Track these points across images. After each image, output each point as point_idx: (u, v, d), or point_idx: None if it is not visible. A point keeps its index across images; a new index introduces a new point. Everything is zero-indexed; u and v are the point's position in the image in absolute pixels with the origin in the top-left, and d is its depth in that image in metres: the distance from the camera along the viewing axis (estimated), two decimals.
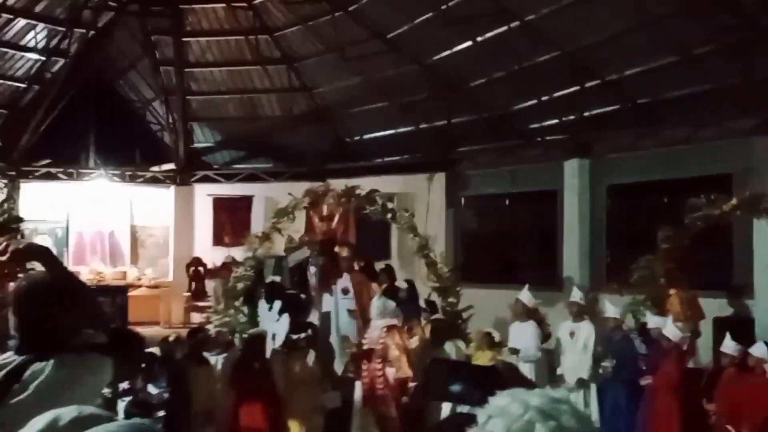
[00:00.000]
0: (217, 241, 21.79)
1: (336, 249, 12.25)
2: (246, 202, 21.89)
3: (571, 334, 10.90)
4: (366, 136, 21.78)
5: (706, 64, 13.96)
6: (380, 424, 9.94)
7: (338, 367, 11.35)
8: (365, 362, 9.98)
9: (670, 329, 10.04)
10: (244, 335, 10.75)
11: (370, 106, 20.57)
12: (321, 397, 10.25)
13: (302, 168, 21.72)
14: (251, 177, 22.32)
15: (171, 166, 22.85)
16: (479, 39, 16.57)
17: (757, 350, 9.24)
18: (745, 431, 8.90)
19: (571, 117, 16.65)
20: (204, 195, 22.25)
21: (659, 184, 15.14)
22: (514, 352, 10.70)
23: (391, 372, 9.88)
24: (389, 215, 12.06)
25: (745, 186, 12.62)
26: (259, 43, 20.73)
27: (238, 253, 13.61)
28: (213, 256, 20.75)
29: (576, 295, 11.25)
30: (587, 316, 11.24)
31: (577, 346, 10.76)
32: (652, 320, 10.38)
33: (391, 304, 10.40)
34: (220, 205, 22.16)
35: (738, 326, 11.91)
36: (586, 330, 10.88)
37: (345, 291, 11.67)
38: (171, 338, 10.36)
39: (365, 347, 10.04)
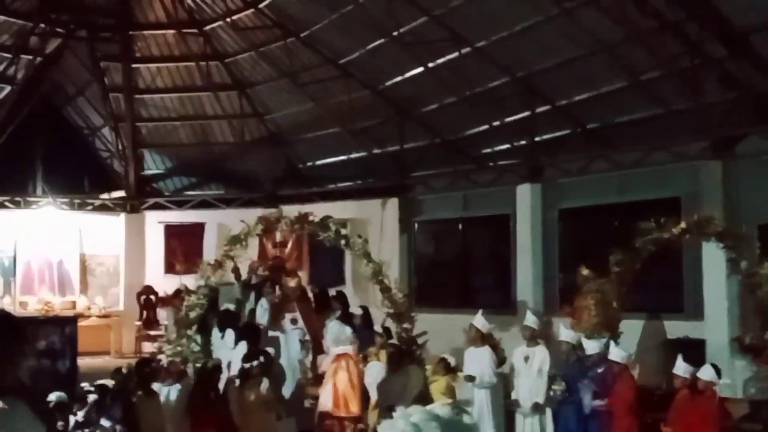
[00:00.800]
0: (169, 268, 21.52)
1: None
2: (198, 229, 21.66)
3: (526, 359, 10.89)
4: (319, 162, 21.75)
5: (655, 90, 14.19)
6: None
7: (289, 395, 11.26)
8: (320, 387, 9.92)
9: (616, 351, 10.11)
10: (198, 365, 10.57)
11: (323, 132, 20.57)
12: (276, 424, 10.15)
13: (255, 194, 21.60)
14: (203, 204, 22.11)
15: (121, 193, 22.56)
16: (431, 65, 16.67)
17: (705, 373, 9.32)
18: None
19: (523, 142, 16.80)
20: (155, 222, 21.98)
21: (610, 208, 15.31)
22: (470, 379, 10.67)
23: (340, 397, 9.76)
24: (343, 242, 12.00)
25: (693, 209, 12.80)
26: (210, 69, 20.63)
27: (191, 281, 13.43)
28: (165, 284, 20.47)
29: (530, 320, 11.27)
30: (541, 341, 11.26)
31: (532, 371, 10.76)
32: (588, 345, 10.43)
33: (347, 330, 10.33)
34: (172, 232, 21.91)
35: (689, 348, 12.06)
36: (540, 354, 10.88)
37: (293, 321, 11.67)
38: (123, 369, 10.16)
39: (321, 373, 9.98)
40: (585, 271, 13.31)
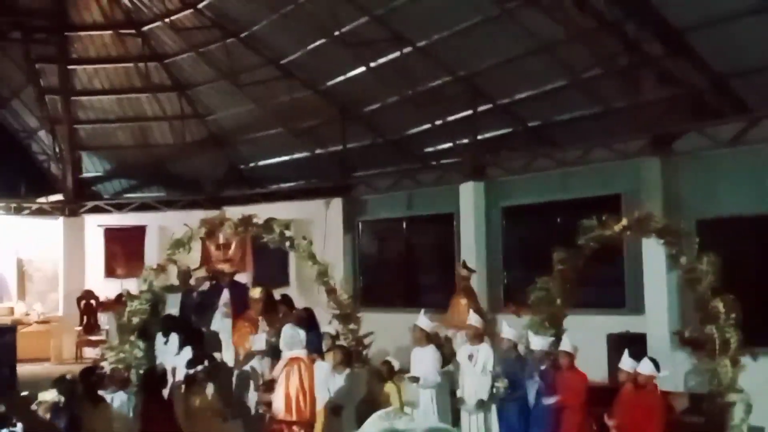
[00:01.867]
0: (110, 272, 21.19)
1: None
2: (139, 232, 21.37)
3: (470, 357, 10.93)
4: (261, 163, 21.62)
5: (595, 88, 14.37)
6: None
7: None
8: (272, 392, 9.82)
9: (567, 342, 10.19)
10: (141, 371, 10.40)
11: (264, 133, 20.46)
12: (222, 428, 10.05)
13: (197, 196, 21.39)
14: (144, 206, 21.83)
15: (59, 197, 22.13)
16: (373, 64, 16.66)
17: (644, 367, 9.45)
18: None
19: (466, 140, 16.88)
20: (95, 226, 21.63)
21: (552, 205, 15.45)
22: (414, 380, 10.68)
23: (292, 402, 9.68)
24: (287, 243, 11.91)
25: (633, 205, 12.98)
26: (149, 70, 20.35)
27: (133, 285, 13.23)
28: (105, 288, 20.16)
29: (472, 319, 11.31)
30: (486, 339, 11.31)
31: (477, 369, 10.79)
32: (534, 341, 10.51)
33: (301, 333, 10.24)
34: (112, 236, 21.58)
35: (630, 342, 12.23)
36: (484, 352, 10.92)
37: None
38: (68, 377, 9.95)
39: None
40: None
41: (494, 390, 10.50)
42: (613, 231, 10.47)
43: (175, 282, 13.40)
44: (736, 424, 9.29)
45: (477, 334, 11.04)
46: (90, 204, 21.97)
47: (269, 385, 10.25)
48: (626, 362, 9.68)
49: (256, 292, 12.03)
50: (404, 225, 18.81)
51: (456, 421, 11.04)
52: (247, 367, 11.40)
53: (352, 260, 19.23)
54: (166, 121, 21.67)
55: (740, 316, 9.40)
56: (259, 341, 11.36)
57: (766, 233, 12.90)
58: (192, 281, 13.74)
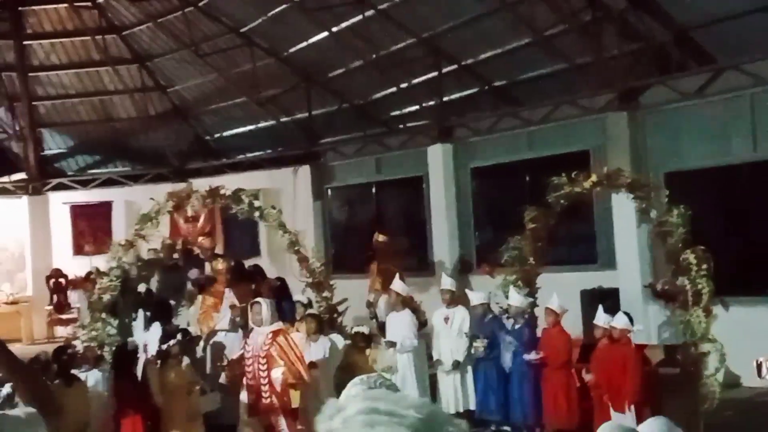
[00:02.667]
0: (78, 250, 20.96)
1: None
2: (105, 208, 21.13)
3: (446, 320, 10.97)
4: (227, 133, 21.40)
5: (559, 45, 14.31)
6: None
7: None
8: (249, 368, 9.69)
9: (555, 302, 10.23)
10: (114, 348, 10.29)
11: (229, 102, 20.23)
12: (199, 401, 10.01)
13: (163, 169, 21.15)
14: (109, 182, 21.56)
15: (22, 175, 21.76)
16: (335, 29, 16.46)
17: (618, 321, 9.51)
18: (620, 400, 9.15)
19: (432, 103, 16.79)
20: (60, 203, 21.35)
21: (521, 164, 15.45)
22: (391, 344, 10.68)
23: (277, 378, 9.60)
24: (256, 213, 11.78)
25: (602, 161, 13.01)
26: (107, 43, 19.99)
27: (101, 261, 13.05)
28: (74, 266, 19.93)
29: (447, 282, 11.32)
30: (460, 301, 11.34)
31: (452, 331, 10.85)
32: (513, 298, 10.54)
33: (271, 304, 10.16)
34: (78, 213, 21.33)
35: (603, 297, 12.31)
36: (460, 315, 10.98)
37: (232, 307, 11.32)
38: (42, 356, 9.82)
39: (249, 355, 9.73)
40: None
41: (472, 350, 10.55)
42: (583, 187, 10.47)
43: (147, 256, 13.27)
44: (710, 373, 9.39)
45: (451, 298, 11.07)
46: (54, 181, 21.66)
47: (234, 364, 10.13)
48: (600, 317, 9.75)
49: (218, 263, 11.86)
50: (373, 190, 18.74)
51: (434, 384, 11.09)
52: (220, 339, 11.32)
53: (323, 227, 19.16)
54: (128, 95, 21.33)
55: (711, 266, 9.46)
56: (222, 321, 11.28)
57: (733, 184, 13.00)
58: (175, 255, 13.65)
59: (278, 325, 9.85)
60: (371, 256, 15.50)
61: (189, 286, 12.73)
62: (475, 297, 11.01)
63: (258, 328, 9.73)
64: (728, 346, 9.35)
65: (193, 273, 12.83)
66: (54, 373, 9.24)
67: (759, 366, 4.68)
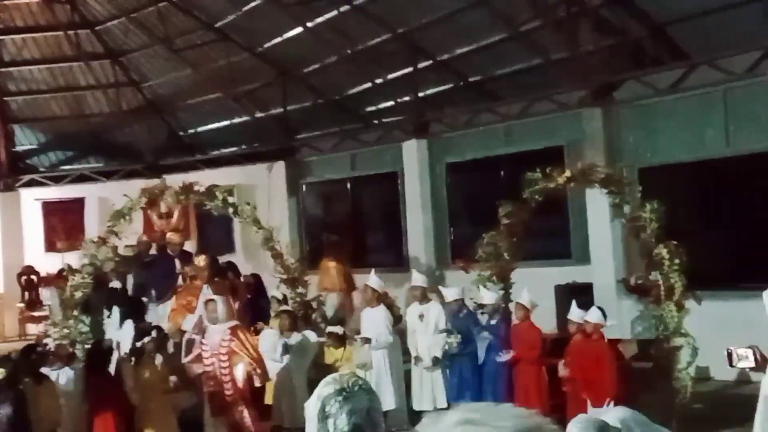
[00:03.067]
0: (50, 247, 20.75)
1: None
2: (78, 204, 20.96)
3: (421, 317, 10.94)
4: (201, 129, 21.26)
5: (535, 40, 14.32)
6: None
7: None
8: (210, 368, 9.55)
9: (526, 297, 10.24)
10: (87, 346, 10.19)
11: (203, 98, 20.08)
12: (174, 398, 9.95)
13: (136, 165, 21.00)
14: (82, 178, 21.37)
15: None
16: (310, 24, 16.40)
17: (592, 316, 9.54)
18: (599, 395, 9.17)
19: (407, 98, 16.77)
20: (32, 200, 21.14)
21: (496, 160, 15.47)
22: (366, 341, 10.65)
23: (239, 374, 9.54)
24: (230, 209, 11.70)
25: (577, 156, 13.04)
26: (80, 38, 19.79)
27: (74, 258, 12.93)
28: (46, 263, 19.75)
29: (418, 279, 11.29)
30: (435, 297, 11.32)
31: (428, 327, 10.82)
32: (485, 295, 10.55)
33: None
34: (51, 209, 21.15)
35: (577, 292, 12.35)
36: (434, 310, 10.95)
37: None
38: (12, 355, 9.70)
39: (208, 354, 9.64)
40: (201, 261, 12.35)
41: (446, 346, 10.54)
42: (557, 183, 10.48)
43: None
44: (683, 367, 9.46)
45: (424, 294, 11.05)
46: (26, 177, 21.44)
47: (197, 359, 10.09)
48: (574, 313, 9.76)
49: (200, 260, 11.76)
50: (349, 185, 18.71)
51: (409, 379, 11.07)
52: (194, 337, 11.23)
53: (298, 223, 19.11)
54: (101, 90, 21.14)
55: (684, 261, 9.51)
56: (189, 322, 11.18)
57: (706, 178, 13.09)
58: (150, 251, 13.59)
59: (234, 321, 9.76)
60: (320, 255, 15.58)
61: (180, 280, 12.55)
62: (450, 293, 11.00)
63: (214, 326, 9.61)
64: (701, 339, 9.42)
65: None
66: (23, 372, 9.12)
67: (729, 355, 4.70)
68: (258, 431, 9.72)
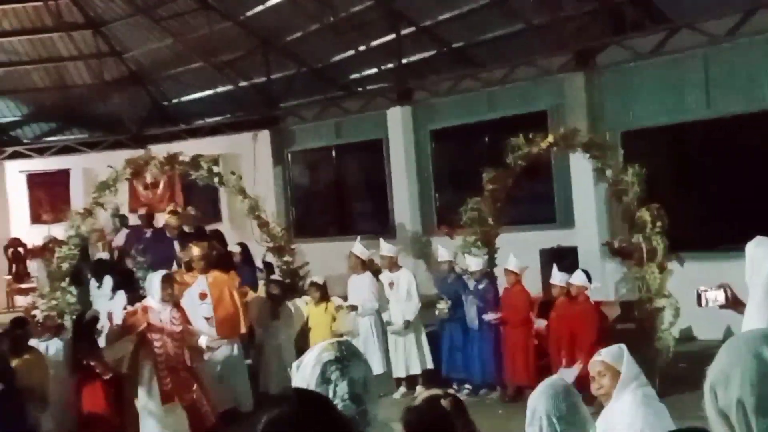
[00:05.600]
0: (36, 219, 20.75)
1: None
2: (63, 176, 20.90)
3: (390, 285, 11.04)
4: (185, 98, 21.17)
5: (516, 6, 14.32)
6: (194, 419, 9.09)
7: None
8: (160, 350, 8.99)
9: (513, 261, 10.37)
10: (75, 317, 10.25)
11: (186, 68, 19.97)
12: None
13: (120, 136, 20.92)
14: (66, 149, 21.26)
15: None
16: None
17: (576, 279, 9.67)
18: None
19: (390, 65, 16.76)
20: (16, 172, 21.09)
21: (480, 126, 15.53)
22: (353, 308, 10.75)
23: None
24: (216, 179, 11.72)
25: (559, 121, 13.12)
26: (60, 8, 19.61)
27: (60, 230, 12.95)
28: (32, 235, 19.73)
29: (386, 249, 11.34)
30: (402, 265, 11.41)
31: (400, 295, 10.92)
32: (471, 262, 10.66)
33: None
34: (35, 181, 21.10)
35: (562, 256, 12.49)
36: (404, 277, 11.07)
37: (202, 296, 10.31)
38: (0, 330, 9.75)
39: (158, 336, 9.02)
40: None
41: (436, 311, 10.67)
42: (540, 148, 10.58)
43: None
44: (665, 328, 9.61)
45: (393, 263, 11.13)
46: (9, 150, 21.31)
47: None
48: (556, 276, 9.90)
49: (196, 250, 10.79)
50: (333, 153, 18.74)
51: None
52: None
53: (284, 192, 19.14)
54: (83, 61, 20.99)
55: (666, 223, 9.64)
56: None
57: (687, 141, 13.21)
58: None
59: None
60: None
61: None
62: (442, 254, 11.12)
63: (161, 303, 9.08)
64: (683, 300, 9.54)
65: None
66: (10, 345, 9.16)
67: (699, 296, 4.83)
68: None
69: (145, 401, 8.99)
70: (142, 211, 14.92)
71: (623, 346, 4.57)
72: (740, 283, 4.72)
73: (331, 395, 2.64)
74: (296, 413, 2.17)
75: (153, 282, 9.27)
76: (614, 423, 4.14)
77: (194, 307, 9.98)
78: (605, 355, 4.52)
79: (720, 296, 4.75)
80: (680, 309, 9.43)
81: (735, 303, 4.78)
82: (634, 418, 4.14)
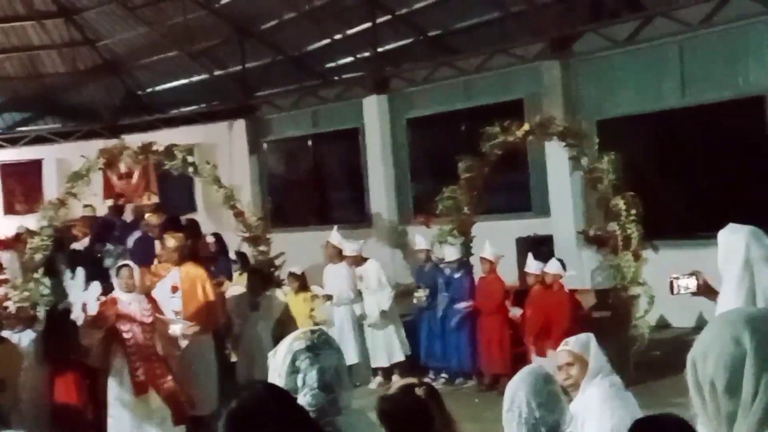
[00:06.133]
0: (8, 209, 20.55)
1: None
2: (35, 166, 20.70)
3: (360, 278, 11.04)
4: (159, 88, 21.00)
5: None
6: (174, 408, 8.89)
7: None
8: (131, 341, 8.77)
9: (489, 250, 10.37)
10: (48, 308, 10.14)
11: (160, 56, 19.82)
12: None
13: (94, 125, 20.73)
14: (39, 139, 21.07)
15: None
16: None
17: (551, 267, 9.69)
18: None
19: (366, 54, 16.69)
20: None
21: (457, 114, 15.51)
22: (329, 298, 10.73)
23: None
24: (190, 169, 11.62)
25: (536, 110, 13.12)
26: None
27: (33, 221, 12.80)
28: (5, 226, 19.51)
29: (351, 248, 11.28)
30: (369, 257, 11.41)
31: (370, 286, 10.93)
32: (446, 252, 10.67)
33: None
34: (8, 171, 20.91)
35: (538, 244, 12.52)
36: (373, 269, 11.07)
37: (174, 289, 9.93)
38: None
39: (127, 327, 8.81)
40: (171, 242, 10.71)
41: (414, 300, 10.67)
42: (516, 136, 10.57)
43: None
44: (640, 316, 9.65)
45: (360, 258, 11.12)
46: None
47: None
48: (531, 264, 9.91)
49: (171, 241, 10.87)
50: (310, 142, 18.67)
51: None
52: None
53: (260, 181, 19.06)
54: (56, 50, 20.77)
55: (641, 211, 9.66)
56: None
57: (663, 130, 13.24)
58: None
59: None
60: None
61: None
62: (419, 242, 11.12)
63: (130, 294, 8.90)
64: (658, 288, 9.57)
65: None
66: None
67: (672, 283, 4.84)
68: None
69: (117, 391, 8.87)
70: (110, 202, 14.72)
71: (591, 335, 4.49)
72: (715, 271, 4.74)
73: (300, 384, 2.62)
74: (254, 404, 2.20)
75: (114, 273, 9.20)
76: (583, 417, 4.10)
77: (166, 299, 9.82)
78: (573, 345, 4.42)
79: (692, 283, 4.77)
80: (655, 297, 9.46)
81: (707, 290, 4.80)
82: (603, 413, 4.10)
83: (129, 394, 8.78)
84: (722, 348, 1.82)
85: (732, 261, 4.55)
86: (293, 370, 2.64)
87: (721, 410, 1.81)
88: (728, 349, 1.81)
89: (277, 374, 2.67)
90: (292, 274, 11.11)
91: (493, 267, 10.33)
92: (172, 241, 10.47)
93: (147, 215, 12.81)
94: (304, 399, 2.61)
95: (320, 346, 2.71)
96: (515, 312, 9.88)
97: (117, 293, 9.03)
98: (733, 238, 4.60)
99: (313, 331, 2.81)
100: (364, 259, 11.19)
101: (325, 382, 2.63)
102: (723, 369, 1.80)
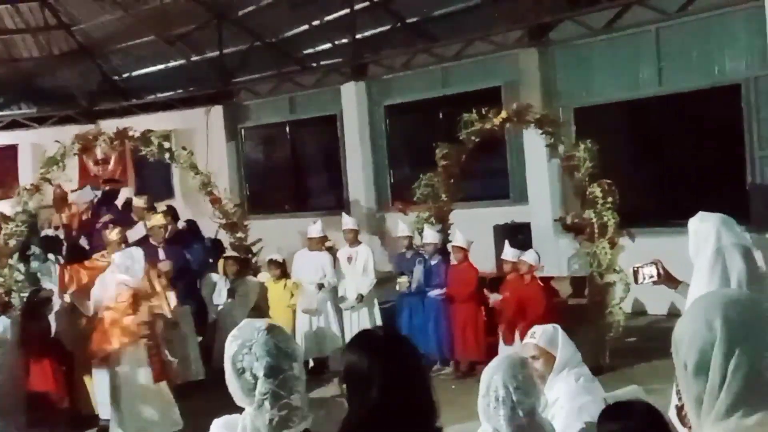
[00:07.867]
0: None
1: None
2: (10, 151, 20.45)
3: (349, 259, 11.05)
4: (136, 73, 20.83)
5: None
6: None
7: None
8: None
9: (459, 237, 10.38)
10: (23, 294, 10.06)
11: (137, 41, 19.63)
12: None
13: (70, 111, 20.54)
14: (14, 124, 20.84)
15: None
16: None
17: (528, 257, 9.71)
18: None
19: (345, 40, 16.63)
20: None
21: (435, 101, 15.50)
22: (320, 287, 10.77)
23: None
24: (167, 155, 11.55)
25: (514, 97, 13.13)
26: None
27: (7, 206, 12.69)
28: None
29: (349, 222, 11.36)
30: (362, 240, 11.44)
31: (357, 270, 10.95)
32: (427, 234, 10.69)
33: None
34: None
35: (516, 232, 12.55)
36: (363, 253, 11.09)
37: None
38: None
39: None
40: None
41: (397, 287, 10.70)
42: (493, 123, 10.57)
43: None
44: (615, 303, 9.71)
45: (354, 237, 11.15)
46: None
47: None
48: (508, 252, 9.93)
49: (157, 218, 10.69)
50: (288, 129, 18.61)
51: None
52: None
53: (237, 168, 18.98)
54: (31, 34, 20.53)
55: (616, 199, 9.71)
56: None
57: (640, 118, 13.31)
58: None
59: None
60: None
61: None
62: (402, 228, 11.13)
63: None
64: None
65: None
66: None
67: (635, 272, 4.88)
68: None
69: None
70: (106, 187, 14.57)
71: (558, 327, 4.41)
72: (689, 257, 4.78)
73: (252, 380, 2.61)
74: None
75: None
76: (552, 413, 4.10)
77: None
78: (539, 338, 4.32)
79: (653, 272, 4.81)
80: (630, 284, 9.51)
81: (667, 278, 4.85)
82: (571, 413, 4.08)
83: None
84: (695, 331, 1.84)
85: (703, 248, 4.58)
86: (239, 373, 2.64)
87: (691, 392, 1.84)
88: (701, 333, 1.83)
89: (231, 382, 2.67)
90: (272, 261, 11.10)
91: (466, 254, 10.35)
92: (158, 218, 10.59)
93: (152, 218, 12.18)
94: (261, 389, 2.59)
95: (250, 335, 2.68)
96: (495, 298, 9.89)
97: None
98: (704, 227, 4.64)
99: (242, 326, 2.77)
100: (358, 242, 11.22)
101: (269, 365, 2.61)
102: (694, 351, 1.82)
